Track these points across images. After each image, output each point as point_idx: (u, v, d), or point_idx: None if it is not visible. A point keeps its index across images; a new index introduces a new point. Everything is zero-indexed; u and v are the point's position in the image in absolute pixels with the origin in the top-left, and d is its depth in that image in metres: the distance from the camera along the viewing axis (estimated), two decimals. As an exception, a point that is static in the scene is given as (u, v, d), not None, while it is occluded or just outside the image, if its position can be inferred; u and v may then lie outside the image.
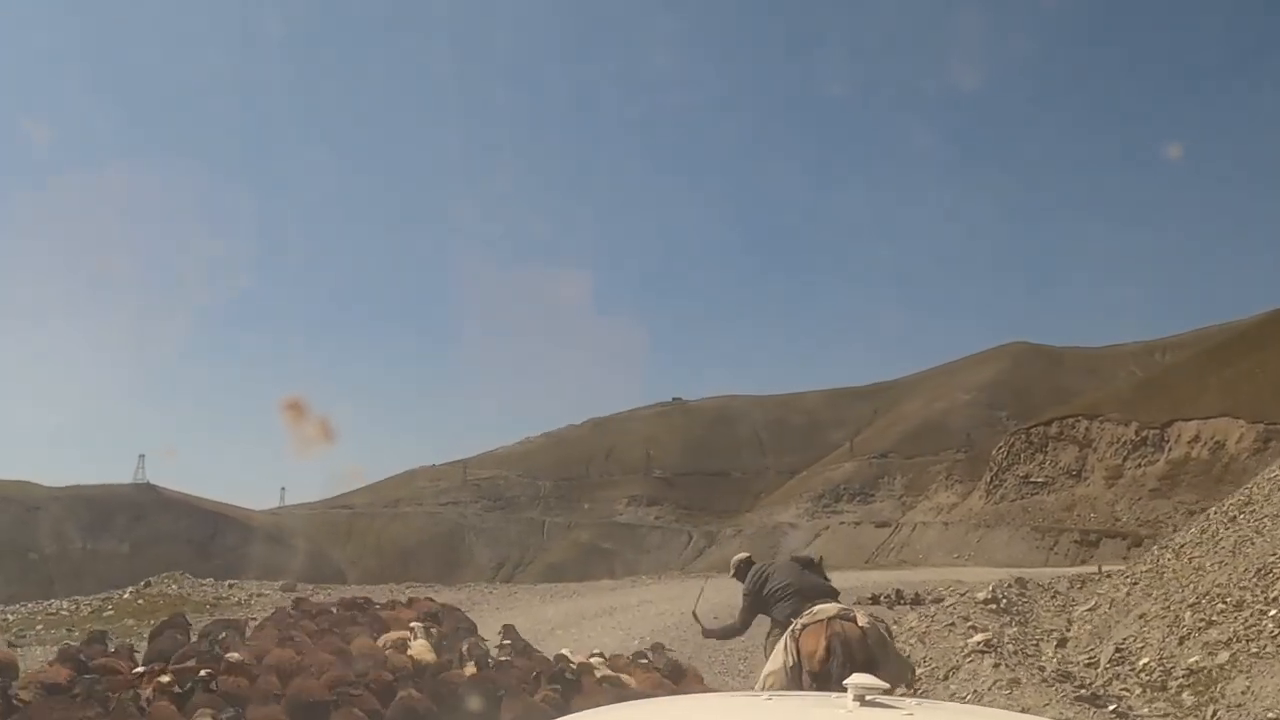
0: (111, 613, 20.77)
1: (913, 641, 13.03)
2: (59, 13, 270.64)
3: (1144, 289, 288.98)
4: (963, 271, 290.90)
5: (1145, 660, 9.09)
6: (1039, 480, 78.01)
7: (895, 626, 16.47)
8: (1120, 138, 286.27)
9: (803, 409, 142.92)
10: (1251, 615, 8.88)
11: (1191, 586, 10.38)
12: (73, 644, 11.35)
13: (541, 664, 9.28)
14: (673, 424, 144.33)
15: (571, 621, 19.59)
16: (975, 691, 8.52)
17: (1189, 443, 65.75)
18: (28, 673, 8.85)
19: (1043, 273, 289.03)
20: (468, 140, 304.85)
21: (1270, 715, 7.57)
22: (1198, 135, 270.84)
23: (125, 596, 23.59)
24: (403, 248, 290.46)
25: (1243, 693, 7.55)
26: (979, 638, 10.99)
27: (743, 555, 8.32)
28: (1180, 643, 9.04)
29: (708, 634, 8.33)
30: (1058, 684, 8.49)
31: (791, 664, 5.88)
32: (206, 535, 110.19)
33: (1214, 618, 9.15)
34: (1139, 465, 69.42)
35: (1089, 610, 13.77)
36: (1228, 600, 9.35)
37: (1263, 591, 9.21)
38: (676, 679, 8.70)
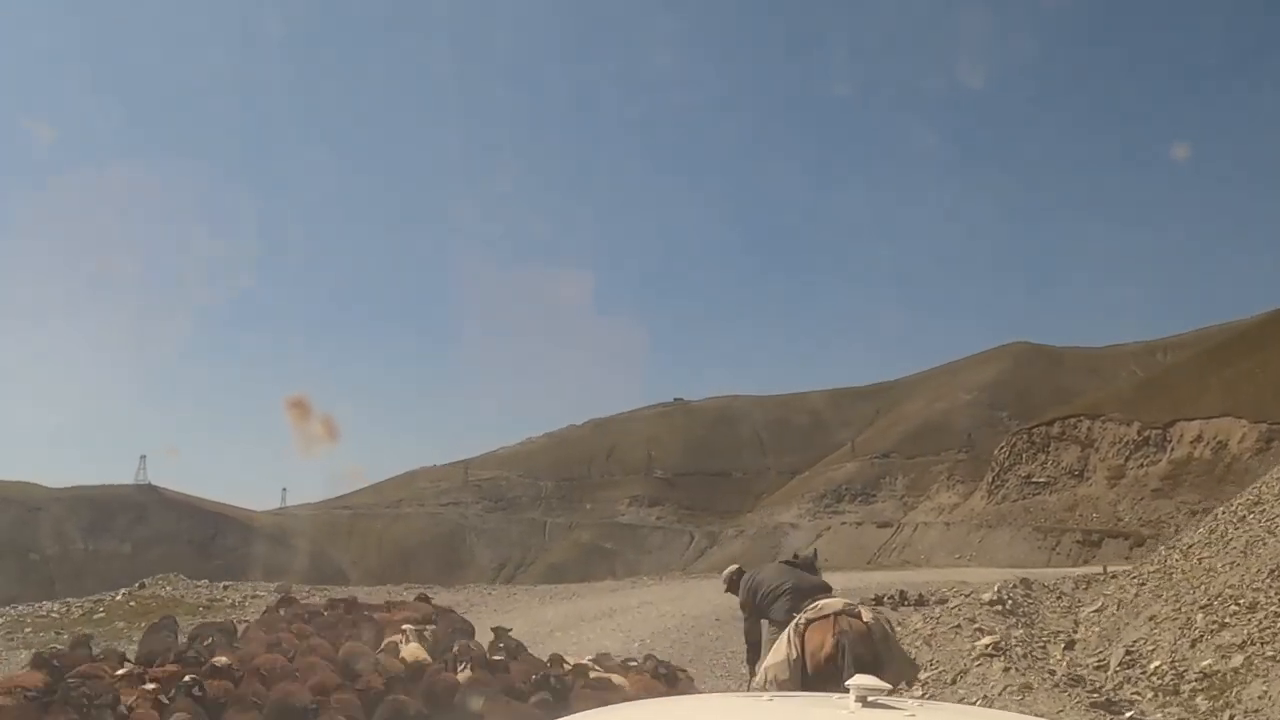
0: (102, 615, 20.46)
1: (918, 644, 12.90)
2: (59, 13, 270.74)
3: (1145, 289, 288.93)
4: (963, 271, 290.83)
5: (1156, 663, 8.94)
6: (1041, 480, 77.95)
7: (900, 628, 16.37)
8: (1121, 138, 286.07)
9: (804, 409, 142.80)
10: (1266, 618, 8.71)
11: (1203, 588, 10.23)
12: (60, 647, 11.19)
13: (536, 666, 9.16)
14: (674, 424, 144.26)
15: (570, 623, 19.39)
16: (985, 696, 8.39)
17: (1191, 443, 65.67)
18: (3, 677, 8.68)
19: (1043, 273, 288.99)
20: (468, 140, 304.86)
21: None
22: (1198, 135, 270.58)
23: (118, 599, 23.12)
24: (403, 248, 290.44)
25: (1260, 697, 7.41)
26: (987, 640, 10.87)
27: (732, 568, 8.32)
28: (1192, 645, 8.90)
29: (756, 650, 8.10)
30: (1070, 689, 8.36)
31: (795, 657, 5.84)
32: (208, 536, 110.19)
33: (1227, 620, 9.01)
34: (1141, 465, 69.34)
35: (1096, 611, 13.65)
36: (1240, 602, 9.21)
37: (1277, 593, 9.02)
38: (670, 683, 8.57)
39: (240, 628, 12.84)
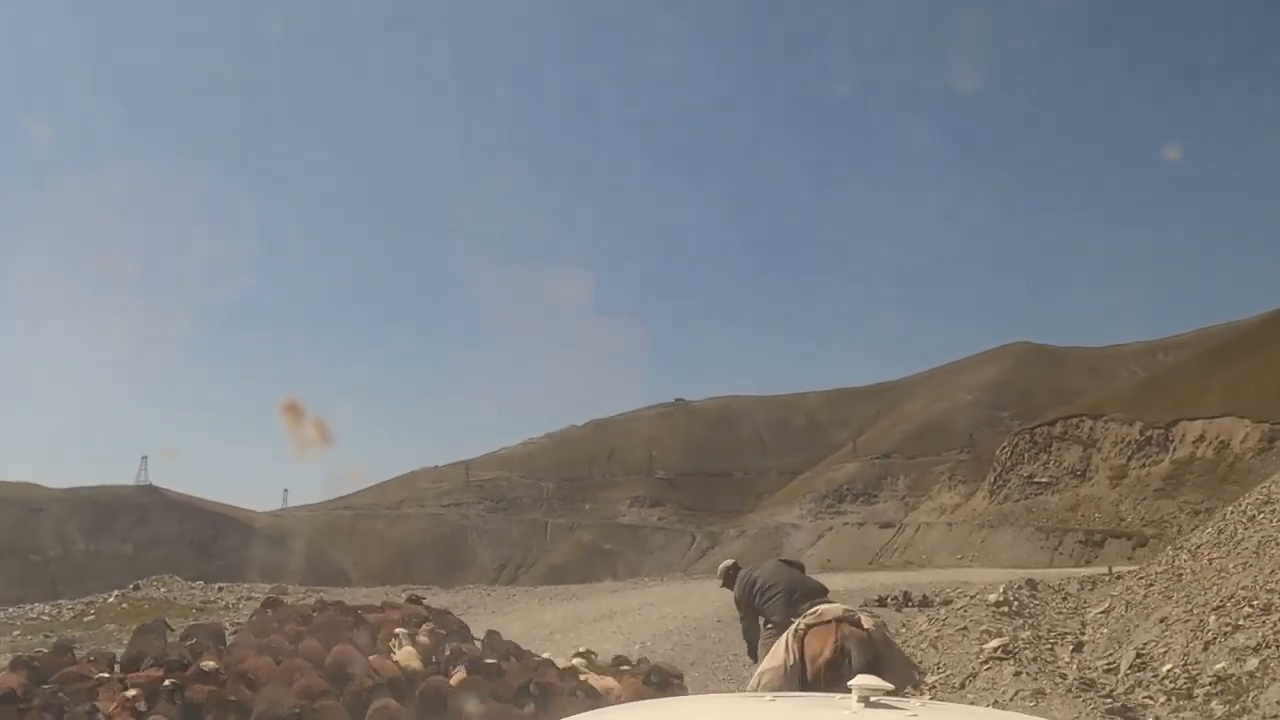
0: (93, 617, 20.30)
1: (924, 646, 12.78)
2: (59, 13, 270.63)
3: (1146, 289, 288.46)
4: (964, 271, 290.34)
5: (1168, 666, 8.81)
6: (1043, 480, 77.87)
7: (904, 630, 16.26)
8: (1121, 137, 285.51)
9: (805, 409, 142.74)
10: (1281, 619, 8.65)
11: (1214, 589, 10.09)
12: (45, 650, 11.06)
13: (527, 670, 9.04)
14: (675, 425, 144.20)
15: (570, 626, 19.24)
16: (996, 702, 8.22)
17: (1194, 442, 65.56)
18: None
19: (1044, 272, 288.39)
20: (468, 140, 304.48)
21: None
22: (1199, 135, 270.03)
23: (110, 600, 23.05)
24: (404, 248, 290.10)
25: (1279, 703, 7.33)
26: (995, 643, 10.76)
27: (728, 563, 8.29)
28: (1205, 648, 8.77)
29: (755, 646, 8.07)
30: (1082, 693, 8.24)
31: (792, 663, 5.78)
32: (209, 537, 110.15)
33: (1240, 622, 8.87)
34: (1143, 465, 69.25)
35: (1103, 613, 13.54)
36: (1254, 604, 9.07)
37: (1293, 595, 8.98)
38: (661, 688, 8.43)
39: (234, 630, 12.71)
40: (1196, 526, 49.34)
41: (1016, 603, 14.99)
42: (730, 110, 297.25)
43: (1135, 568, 22.47)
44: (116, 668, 8.94)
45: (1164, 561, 14.07)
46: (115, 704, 7.16)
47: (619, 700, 7.64)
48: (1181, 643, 9.15)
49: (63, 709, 6.85)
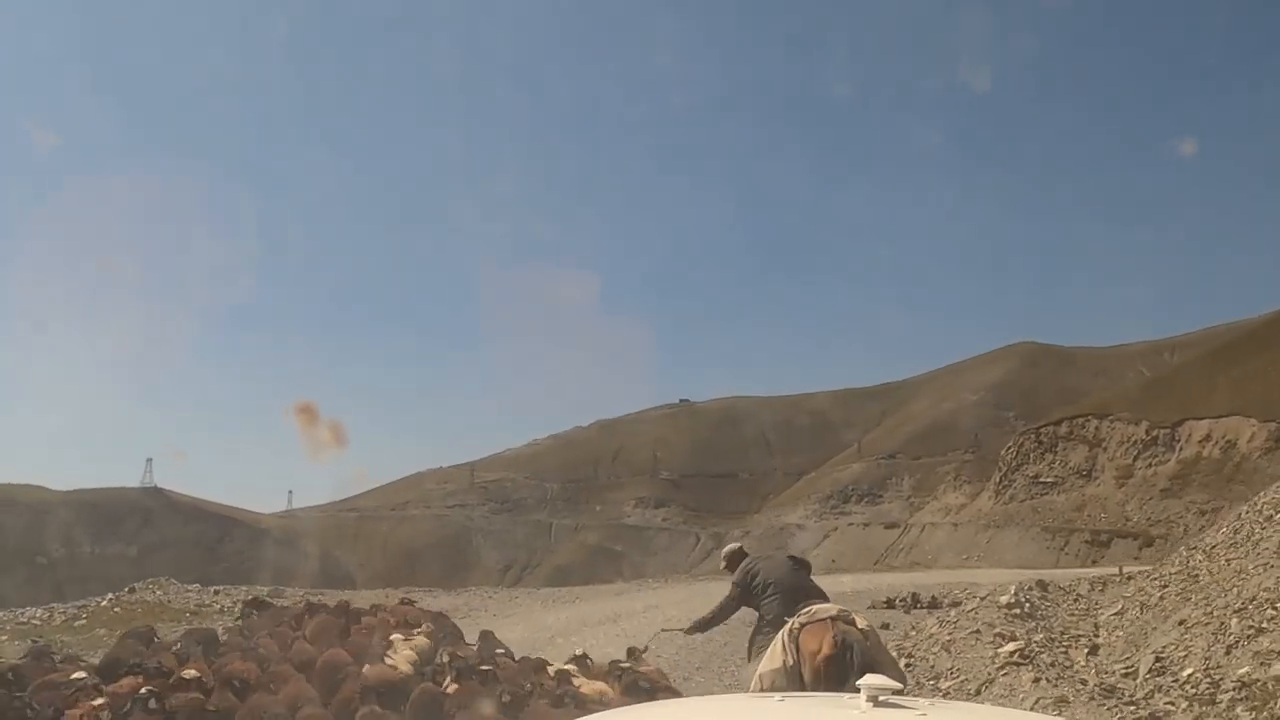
0: (84, 622, 19.88)
1: (936, 650, 12.61)
2: (60, 16, 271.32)
3: (1151, 288, 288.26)
4: (968, 271, 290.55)
5: (1189, 671, 8.65)
6: (1049, 480, 77.65)
7: (915, 633, 16.10)
8: (1126, 136, 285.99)
9: (810, 410, 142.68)
10: (1307, 623, 8.50)
11: (1235, 590, 9.93)
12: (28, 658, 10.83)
13: (519, 674, 8.88)
14: (680, 425, 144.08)
15: (573, 629, 18.93)
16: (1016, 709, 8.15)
17: (1200, 442, 65.33)
18: None
19: (1049, 272, 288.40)
20: (471, 141, 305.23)
21: None
22: (1204, 133, 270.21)
23: (103, 604, 22.63)
24: (408, 249, 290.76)
25: (1307, 710, 7.21)
26: (1010, 647, 10.62)
27: (734, 546, 8.22)
28: (1227, 652, 8.61)
29: (691, 629, 8.21)
30: (1104, 699, 8.11)
31: (790, 664, 5.72)
32: (214, 539, 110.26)
33: (1264, 625, 8.69)
34: (1150, 465, 69.01)
35: (1116, 614, 13.41)
36: (1278, 606, 8.91)
37: (1318, 598, 8.83)
38: (650, 695, 8.23)
39: (225, 634, 12.46)
40: (1204, 526, 49.27)
41: (1028, 604, 14.80)
42: (734, 110, 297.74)
43: (1147, 568, 22.25)
44: (81, 675, 8.58)
45: (1178, 562, 13.91)
46: (81, 713, 6.91)
47: (610, 705, 7.50)
48: (1202, 646, 8.99)
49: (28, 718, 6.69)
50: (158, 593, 24.92)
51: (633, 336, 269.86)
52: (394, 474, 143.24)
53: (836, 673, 5.42)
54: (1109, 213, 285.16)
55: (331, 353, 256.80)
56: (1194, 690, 8.31)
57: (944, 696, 9.04)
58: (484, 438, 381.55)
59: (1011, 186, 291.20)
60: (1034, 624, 13.36)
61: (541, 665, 9.38)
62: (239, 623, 13.65)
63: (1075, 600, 17.52)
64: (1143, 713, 7.86)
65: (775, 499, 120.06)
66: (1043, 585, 17.94)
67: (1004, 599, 14.80)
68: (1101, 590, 20.52)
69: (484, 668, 8.89)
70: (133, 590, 25.09)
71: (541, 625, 19.70)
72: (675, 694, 8.75)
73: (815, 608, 6.05)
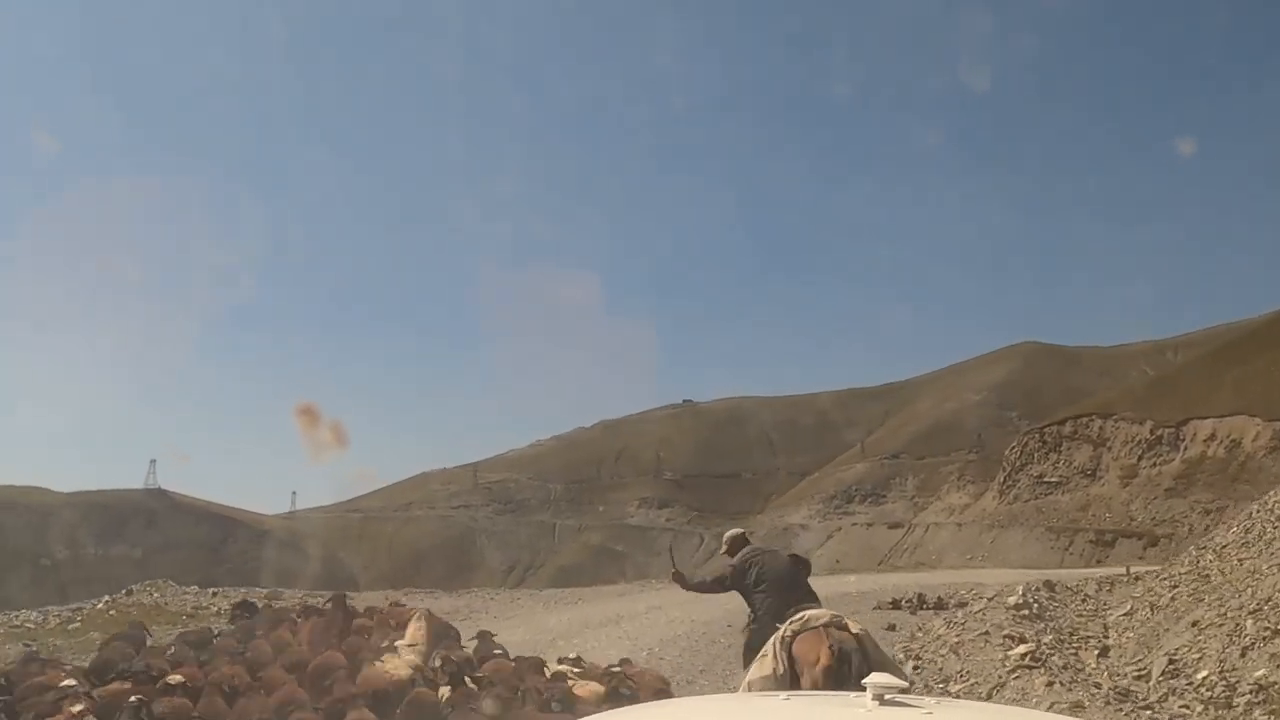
0: (78, 625, 19.63)
1: (944, 653, 12.53)
2: (60, 18, 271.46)
3: (1154, 287, 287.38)
4: (971, 271, 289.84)
5: (1204, 673, 8.55)
6: (1053, 480, 77.51)
7: (922, 634, 16.01)
8: (1128, 134, 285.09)
9: (813, 410, 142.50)
10: (1325, 625, 8.39)
11: (1249, 591, 9.82)
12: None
13: (515, 676, 8.80)
14: (683, 425, 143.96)
15: (575, 631, 18.67)
16: (1031, 715, 7.95)
17: (1204, 441, 65.21)
18: None
19: (1052, 272, 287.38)
20: (473, 142, 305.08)
21: None
22: (1206, 131, 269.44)
23: (98, 607, 22.39)
24: (410, 250, 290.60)
25: (1326, 713, 7.13)
26: (1021, 649, 10.53)
27: (737, 531, 8.26)
28: (1243, 654, 8.51)
29: (676, 576, 8.30)
30: (1119, 704, 8.03)
31: (781, 672, 5.68)
32: (218, 540, 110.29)
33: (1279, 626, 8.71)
34: (1154, 464, 68.87)
35: (1125, 615, 13.31)
36: (1295, 607, 8.88)
37: (1335, 599, 8.72)
38: (633, 696, 8.13)
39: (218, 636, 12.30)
40: (1209, 526, 49.16)
41: (1036, 605, 14.71)
42: (735, 110, 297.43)
43: (1155, 568, 22.16)
44: (67, 679, 8.42)
45: (1187, 562, 13.80)
46: (64, 718, 6.83)
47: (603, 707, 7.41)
48: (1217, 648, 8.89)
49: None
50: (155, 595, 24.70)
51: (635, 336, 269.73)
52: (398, 475, 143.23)
53: (836, 682, 5.33)
54: (1111, 212, 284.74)
55: (334, 353, 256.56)
56: (1209, 693, 8.22)
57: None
58: (487, 438, 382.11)
59: (1013, 186, 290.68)
60: (1042, 625, 13.26)
61: (539, 666, 9.30)
62: (240, 624, 13.48)
63: (1083, 601, 17.39)
64: (1159, 717, 7.78)
65: (779, 499, 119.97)
66: (1050, 586, 17.81)
67: (1012, 600, 14.71)
68: (1109, 590, 20.39)
69: (479, 671, 8.82)
70: (130, 593, 24.88)
71: (543, 627, 19.56)
72: (669, 696, 8.66)
73: (807, 614, 6.01)
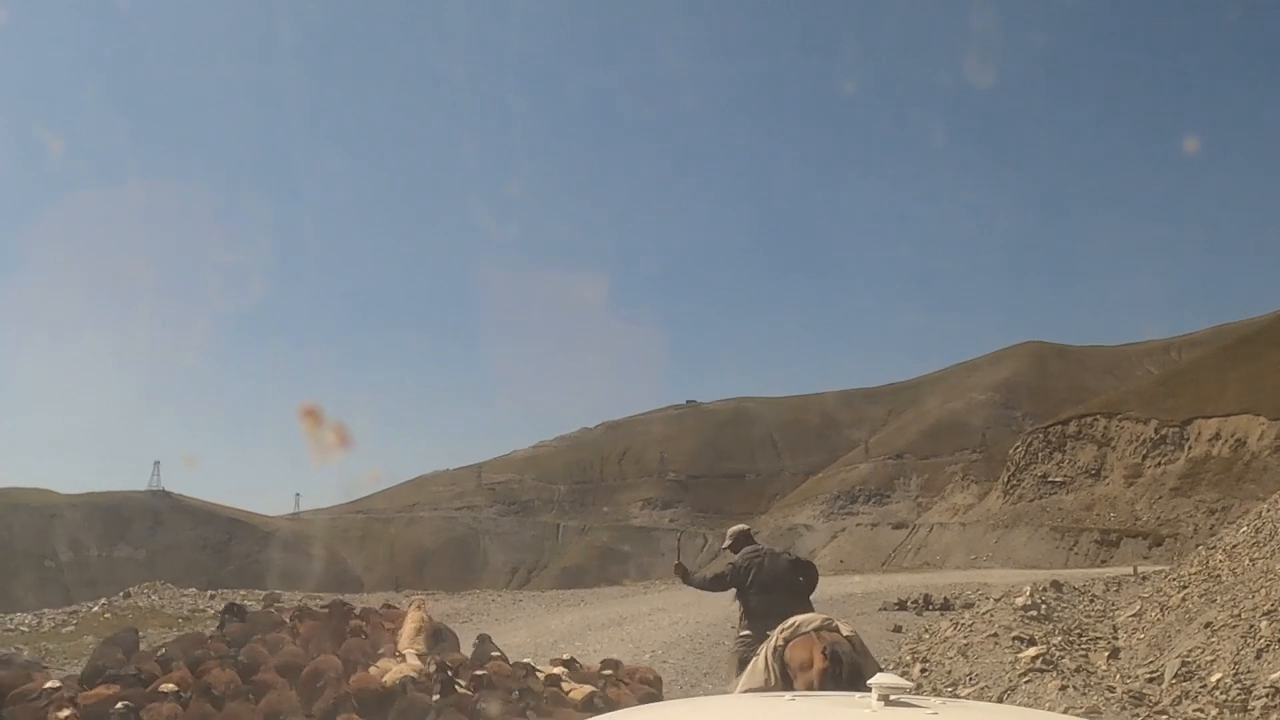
0: (73, 629, 19.31)
1: (952, 655, 12.38)
2: (71, 23, 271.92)
3: (1159, 286, 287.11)
4: (976, 270, 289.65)
5: (1218, 676, 8.41)
6: (1057, 480, 77.25)
7: (929, 636, 15.88)
8: (1135, 133, 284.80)
9: (817, 410, 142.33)
10: (1342, 626, 8.25)
11: (1263, 592, 9.65)
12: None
13: (513, 678, 8.70)
14: (687, 426, 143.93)
15: (577, 633, 18.45)
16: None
17: (1209, 440, 64.96)
18: None
19: (1057, 271, 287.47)
20: (482, 144, 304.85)
21: None
22: (1213, 130, 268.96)
23: (94, 610, 22.04)
24: (414, 251, 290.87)
25: (1344, 717, 7.00)
26: (1032, 651, 10.40)
27: (741, 527, 8.14)
28: (1258, 656, 8.37)
29: (679, 569, 8.34)
30: (1134, 707, 7.91)
31: (774, 682, 5.59)
32: (222, 541, 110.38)
33: (1297, 628, 8.55)
34: (1159, 464, 68.62)
35: (1134, 616, 13.19)
36: (1312, 609, 8.74)
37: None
38: (608, 706, 7.99)
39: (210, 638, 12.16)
40: (1214, 525, 48.95)
41: (1044, 606, 14.58)
42: (742, 110, 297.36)
43: (1162, 568, 22.00)
44: (52, 683, 8.29)
45: (1196, 562, 13.65)
46: None
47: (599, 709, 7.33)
48: (1231, 650, 8.75)
49: None
50: (152, 597, 24.39)
51: (640, 337, 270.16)
52: (402, 476, 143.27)
53: (830, 685, 5.22)
54: (1118, 211, 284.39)
55: (338, 355, 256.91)
56: (1224, 696, 8.09)
57: (962, 702, 8.78)
58: (491, 439, 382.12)
59: (1020, 185, 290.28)
60: (1051, 626, 13.12)
61: (529, 669, 9.20)
62: (230, 628, 13.31)
63: (1090, 601, 17.25)
64: (1177, 723, 7.65)
65: (783, 500, 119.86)
66: (1057, 586, 17.66)
67: (1020, 601, 14.56)
68: (1116, 591, 20.27)
69: (478, 674, 8.73)
70: (127, 595, 24.52)
71: (545, 629, 19.39)
72: (658, 698, 8.59)
73: (798, 620, 5.90)
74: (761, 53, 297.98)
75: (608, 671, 9.30)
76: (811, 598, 7.33)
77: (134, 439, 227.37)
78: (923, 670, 12.35)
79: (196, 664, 9.02)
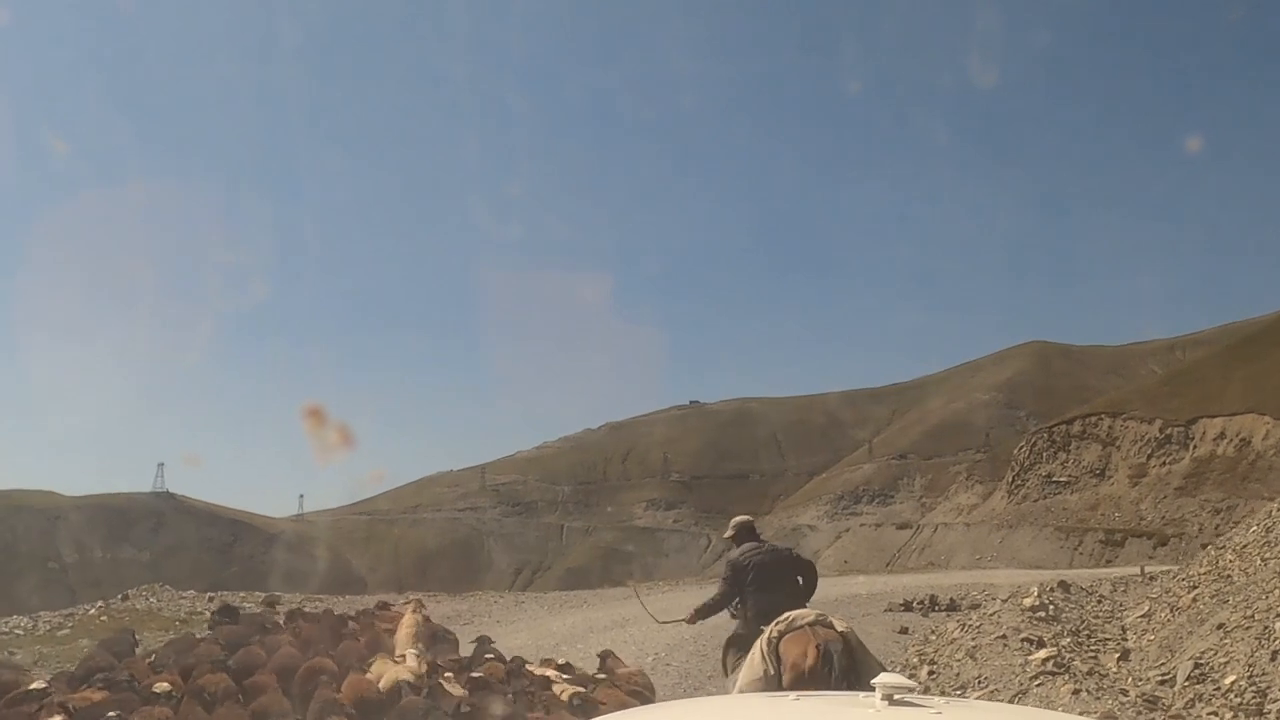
0: (68, 632, 19.11)
1: (960, 657, 12.27)
2: (72, 24, 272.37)
3: (1164, 286, 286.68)
4: (980, 270, 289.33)
5: (1232, 678, 8.31)
6: (1062, 479, 77.16)
7: (935, 637, 15.77)
8: (1138, 132, 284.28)
9: (821, 410, 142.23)
10: (1358, 628, 8.13)
11: (1277, 592, 9.44)
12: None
13: (511, 680, 8.64)
14: (690, 427, 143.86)
15: (579, 635, 18.32)
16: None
17: (1214, 440, 64.82)
18: None
19: (1061, 271, 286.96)
20: (484, 144, 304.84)
21: None
22: (1216, 129, 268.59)
23: (91, 612, 21.91)
24: (418, 252, 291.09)
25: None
26: (1043, 654, 10.28)
27: (745, 518, 8.05)
28: (1273, 658, 8.21)
29: (694, 618, 8.03)
30: (1149, 711, 7.80)
31: (771, 674, 5.64)
32: (226, 543, 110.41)
33: (1311, 629, 8.42)
34: (1163, 463, 68.51)
35: (1143, 617, 13.09)
36: (1328, 610, 8.62)
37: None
38: (585, 707, 7.91)
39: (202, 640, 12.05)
40: (1219, 525, 48.74)
41: (1052, 607, 14.48)
42: (744, 110, 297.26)
43: (1169, 568, 21.88)
44: (38, 687, 8.16)
45: (1206, 562, 13.53)
46: None
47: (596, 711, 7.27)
48: (1245, 652, 8.63)
49: None
50: (150, 600, 24.25)
51: (643, 338, 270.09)
52: (405, 477, 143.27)
53: (820, 682, 5.33)
54: (1121, 210, 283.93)
55: (339, 355, 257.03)
56: (1238, 700, 7.98)
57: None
58: (495, 440, 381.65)
59: (1023, 185, 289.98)
60: (1059, 627, 13.01)
61: (519, 669, 9.13)
62: (224, 629, 13.16)
63: (1098, 602, 17.11)
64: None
65: (787, 500, 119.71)
66: (1064, 586, 17.53)
67: (1027, 601, 14.45)
68: (1124, 591, 20.16)
69: (475, 675, 8.66)
70: (126, 597, 24.45)
71: (547, 631, 19.29)
72: (647, 701, 8.51)
73: (792, 615, 5.96)
74: (761, 53, 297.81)
75: (601, 676, 9.25)
76: (811, 600, 7.28)
77: (137, 440, 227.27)
78: (930, 673, 12.26)
79: (189, 668, 8.96)
